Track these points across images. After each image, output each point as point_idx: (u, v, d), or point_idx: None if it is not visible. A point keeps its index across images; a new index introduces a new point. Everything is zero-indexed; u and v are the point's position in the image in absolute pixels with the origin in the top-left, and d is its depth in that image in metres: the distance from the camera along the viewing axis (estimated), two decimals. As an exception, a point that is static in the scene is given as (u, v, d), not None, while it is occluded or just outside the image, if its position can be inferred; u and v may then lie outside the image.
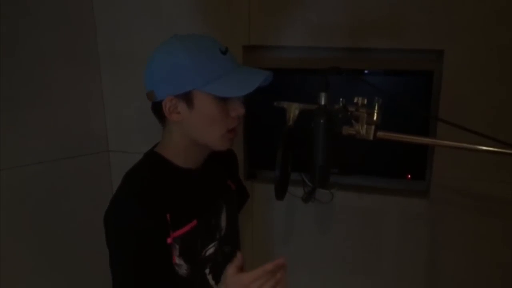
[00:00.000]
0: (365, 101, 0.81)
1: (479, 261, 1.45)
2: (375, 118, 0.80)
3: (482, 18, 1.29)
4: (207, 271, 1.02)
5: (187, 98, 0.89)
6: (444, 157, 1.40)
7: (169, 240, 0.91)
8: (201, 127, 0.92)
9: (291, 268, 1.72)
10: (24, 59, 1.49)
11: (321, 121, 0.82)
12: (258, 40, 1.50)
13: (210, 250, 1.02)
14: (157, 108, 0.92)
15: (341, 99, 0.83)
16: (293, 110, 0.92)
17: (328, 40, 1.44)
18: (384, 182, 1.58)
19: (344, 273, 1.62)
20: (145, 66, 0.93)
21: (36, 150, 1.56)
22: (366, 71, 1.44)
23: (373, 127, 0.80)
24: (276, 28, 1.47)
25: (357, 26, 1.40)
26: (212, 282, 1.03)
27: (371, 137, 0.80)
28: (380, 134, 0.81)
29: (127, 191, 0.93)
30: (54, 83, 1.57)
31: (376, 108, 0.80)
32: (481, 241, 1.43)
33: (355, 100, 0.82)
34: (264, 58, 1.58)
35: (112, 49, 1.65)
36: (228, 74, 0.89)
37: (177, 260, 0.93)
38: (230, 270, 0.81)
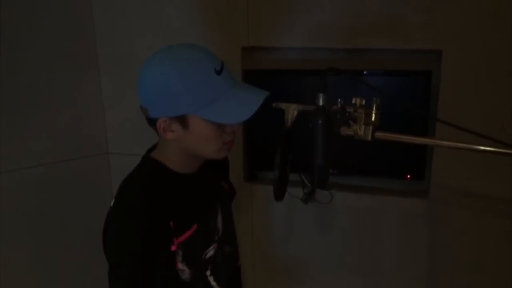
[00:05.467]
0: (363, 102, 0.82)
1: (479, 261, 1.45)
2: (373, 118, 0.80)
3: (480, 18, 1.29)
4: (208, 273, 1.02)
5: (181, 120, 0.87)
6: (443, 157, 1.40)
7: (173, 247, 0.91)
8: (196, 144, 0.91)
9: (291, 268, 1.72)
10: (24, 62, 1.49)
11: (320, 122, 0.82)
12: (257, 42, 1.51)
13: (210, 252, 1.02)
14: (151, 123, 0.91)
15: (339, 99, 0.83)
16: (292, 111, 0.92)
17: (327, 41, 1.44)
18: (383, 183, 1.58)
19: (344, 274, 1.62)
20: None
21: (36, 152, 1.56)
22: (365, 72, 1.44)
23: (371, 127, 0.80)
24: (275, 29, 1.48)
25: (355, 26, 1.40)
26: (213, 283, 1.03)
27: (369, 138, 0.81)
28: (379, 134, 0.81)
29: (129, 202, 0.91)
30: (53, 85, 1.57)
31: (374, 108, 0.80)
32: (480, 241, 1.43)
33: (353, 101, 0.82)
34: (263, 59, 1.58)
35: (111, 51, 1.65)
36: (224, 97, 0.85)
37: (180, 265, 0.93)
38: None
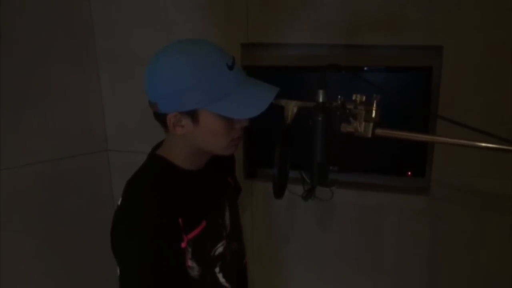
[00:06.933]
0: (364, 98, 0.81)
1: (480, 258, 1.45)
2: (373, 115, 0.79)
3: (481, 14, 1.28)
4: (217, 270, 1.02)
5: (192, 115, 0.86)
6: (444, 154, 1.40)
7: (183, 244, 0.90)
8: (206, 140, 0.91)
9: (291, 266, 1.72)
10: (23, 59, 1.49)
11: (319, 118, 0.81)
12: (257, 38, 1.50)
13: (219, 249, 1.02)
14: (160, 118, 0.90)
15: (339, 96, 0.83)
16: (292, 107, 0.91)
17: (327, 37, 1.43)
18: (384, 179, 1.58)
19: (344, 271, 1.62)
20: (144, 65, 0.91)
21: (36, 149, 1.56)
22: (365, 68, 1.44)
23: (371, 124, 0.79)
24: (275, 25, 1.47)
25: (355, 23, 1.39)
26: (222, 280, 1.03)
27: (370, 135, 0.80)
28: (379, 131, 0.80)
29: (138, 201, 0.90)
30: (53, 83, 1.57)
31: (374, 105, 0.80)
32: (481, 238, 1.43)
33: (354, 98, 0.81)
34: (263, 56, 1.58)
35: (110, 48, 1.65)
36: (235, 92, 0.85)
37: (190, 262, 0.93)
38: None
